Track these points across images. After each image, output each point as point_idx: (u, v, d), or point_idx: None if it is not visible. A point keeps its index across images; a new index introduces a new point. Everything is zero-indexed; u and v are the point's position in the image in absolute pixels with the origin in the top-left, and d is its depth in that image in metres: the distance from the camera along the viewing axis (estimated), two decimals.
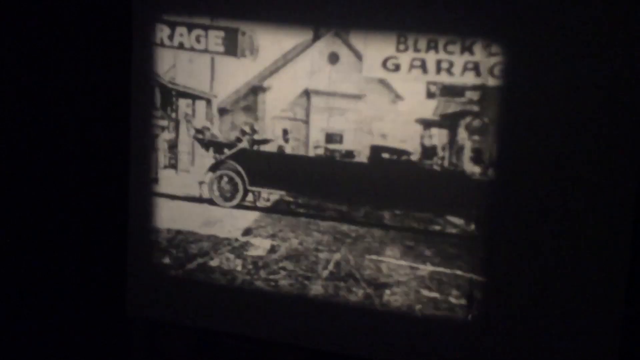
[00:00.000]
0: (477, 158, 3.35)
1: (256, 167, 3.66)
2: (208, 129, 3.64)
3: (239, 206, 3.74)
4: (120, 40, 3.79)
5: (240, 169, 3.66)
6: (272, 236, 3.74)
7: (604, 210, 3.20)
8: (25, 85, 3.96)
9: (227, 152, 3.68)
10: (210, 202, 3.80)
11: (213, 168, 3.73)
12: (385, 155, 3.50)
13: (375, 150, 3.51)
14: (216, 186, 3.70)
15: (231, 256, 3.79)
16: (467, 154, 3.37)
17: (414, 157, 3.45)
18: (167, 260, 3.88)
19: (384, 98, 3.44)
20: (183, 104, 3.80)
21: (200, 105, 3.78)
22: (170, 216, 3.84)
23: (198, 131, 3.71)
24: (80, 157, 4.00)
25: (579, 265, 3.26)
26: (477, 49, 3.27)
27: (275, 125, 3.68)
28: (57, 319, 4.09)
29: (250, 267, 3.77)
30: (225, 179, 3.69)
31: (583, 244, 3.24)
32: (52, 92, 3.95)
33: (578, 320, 3.29)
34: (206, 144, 3.72)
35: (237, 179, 3.67)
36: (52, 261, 4.06)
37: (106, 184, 4.00)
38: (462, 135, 3.37)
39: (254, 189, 3.66)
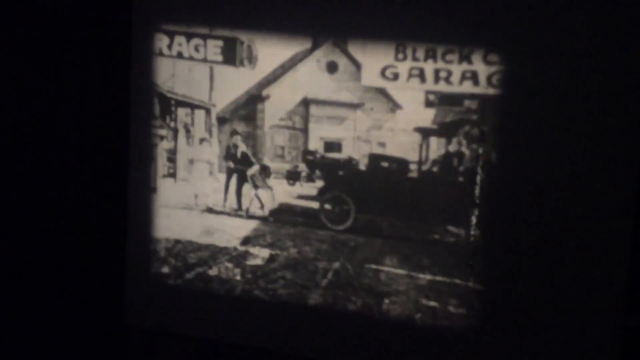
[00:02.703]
0: (475, 166, 3.35)
1: (368, 188, 3.58)
2: (316, 151, 3.59)
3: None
4: (119, 50, 3.80)
5: (351, 190, 3.59)
6: (271, 245, 3.73)
7: (604, 217, 3.21)
8: (25, 95, 3.96)
9: (341, 173, 3.61)
10: (210, 211, 3.81)
11: (323, 191, 3.65)
12: (384, 164, 3.50)
13: (374, 159, 3.51)
14: (324, 209, 3.63)
15: (230, 265, 3.79)
16: (465, 162, 3.38)
17: (413, 166, 3.46)
18: (165, 269, 3.88)
19: (382, 107, 3.45)
20: (182, 113, 3.81)
21: (199, 114, 3.79)
22: (169, 225, 3.84)
23: (308, 152, 3.66)
24: (79, 165, 4.00)
25: (578, 273, 3.26)
26: (475, 58, 3.27)
27: (274, 134, 3.69)
28: (55, 327, 4.08)
29: (249, 276, 3.76)
30: (334, 201, 3.63)
31: (582, 251, 3.24)
32: (51, 101, 3.95)
33: (578, 328, 3.29)
34: (315, 165, 3.65)
35: (349, 201, 3.62)
36: (50, 269, 4.05)
37: (105, 193, 4.00)
38: (461, 143, 3.37)
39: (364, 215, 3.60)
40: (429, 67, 3.32)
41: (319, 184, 3.67)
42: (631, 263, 3.22)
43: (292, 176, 3.69)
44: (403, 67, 3.36)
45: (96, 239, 4.04)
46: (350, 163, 3.54)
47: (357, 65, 3.45)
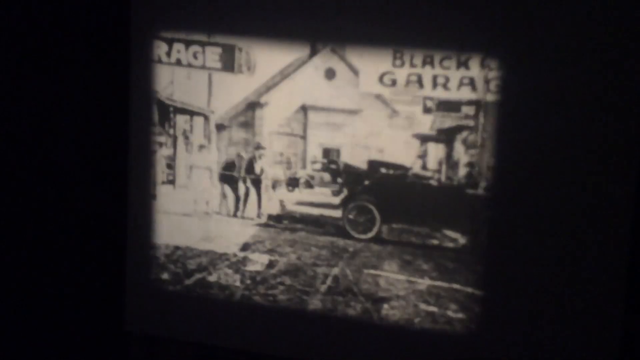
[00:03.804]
0: (473, 172, 3.36)
1: (393, 197, 3.56)
2: (335, 159, 3.60)
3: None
4: (118, 57, 3.81)
5: (376, 199, 3.58)
6: (271, 251, 3.74)
7: (603, 223, 3.22)
8: (25, 103, 3.96)
9: (366, 182, 3.58)
10: (208, 216, 3.82)
11: (347, 200, 3.62)
12: (383, 170, 3.51)
13: (373, 165, 3.52)
14: (349, 218, 3.62)
15: (229, 271, 3.80)
16: (463, 168, 3.39)
17: (411, 172, 3.47)
18: (165, 275, 3.88)
19: (380, 113, 3.46)
20: (181, 120, 3.81)
21: (198, 121, 3.80)
22: (168, 232, 3.85)
23: (331, 162, 3.63)
24: (79, 172, 4.00)
25: (578, 278, 3.27)
26: (473, 64, 3.29)
27: (273, 140, 3.70)
28: (55, 334, 4.08)
29: (249, 282, 3.77)
30: (359, 210, 3.61)
31: (582, 256, 3.25)
32: (50, 109, 3.96)
33: (577, 334, 3.30)
34: (338, 173, 3.64)
35: (374, 210, 3.58)
36: (50, 276, 4.05)
37: (104, 199, 3.99)
38: (459, 149, 3.39)
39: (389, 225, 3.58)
40: (426, 73, 3.34)
41: (317, 190, 3.68)
42: (630, 268, 3.23)
43: (291, 182, 3.71)
44: (401, 74, 3.37)
45: (96, 245, 4.04)
46: (374, 172, 3.54)
47: (355, 72, 3.46)
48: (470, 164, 3.37)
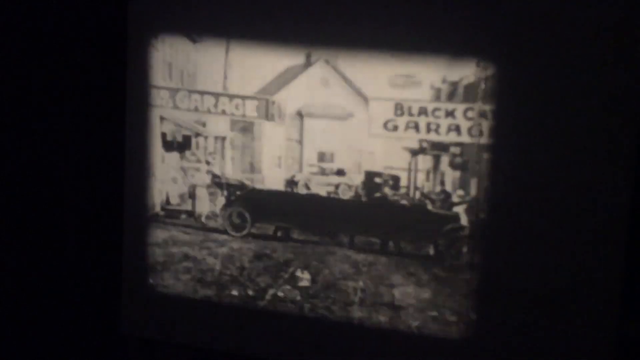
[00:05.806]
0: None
1: (261, 204, 3.81)
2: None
3: (248, 235, 3.91)
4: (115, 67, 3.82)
5: (248, 205, 3.81)
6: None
7: (599, 227, 3.23)
8: (22, 107, 3.88)
9: (238, 193, 3.82)
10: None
11: (226, 206, 3.87)
12: (378, 180, 3.66)
13: (369, 175, 3.67)
14: (228, 220, 3.87)
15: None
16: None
17: (404, 182, 3.63)
18: (161, 278, 3.91)
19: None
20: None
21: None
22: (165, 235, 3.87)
23: (215, 176, 3.85)
24: (76, 173, 3.97)
25: (573, 284, 3.29)
26: (458, 113, 3.47)
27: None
28: (49, 337, 4.04)
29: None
30: (236, 214, 3.85)
31: (577, 261, 3.28)
32: (49, 115, 3.94)
33: (574, 342, 3.33)
34: (221, 186, 3.84)
35: (246, 214, 3.84)
36: (45, 279, 3.99)
37: (102, 202, 3.98)
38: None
39: (259, 224, 3.85)
40: (422, 120, 3.51)
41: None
42: (627, 274, 3.24)
43: (290, 185, 3.84)
44: (401, 121, 3.54)
45: (92, 247, 4.03)
46: (245, 186, 3.80)
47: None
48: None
